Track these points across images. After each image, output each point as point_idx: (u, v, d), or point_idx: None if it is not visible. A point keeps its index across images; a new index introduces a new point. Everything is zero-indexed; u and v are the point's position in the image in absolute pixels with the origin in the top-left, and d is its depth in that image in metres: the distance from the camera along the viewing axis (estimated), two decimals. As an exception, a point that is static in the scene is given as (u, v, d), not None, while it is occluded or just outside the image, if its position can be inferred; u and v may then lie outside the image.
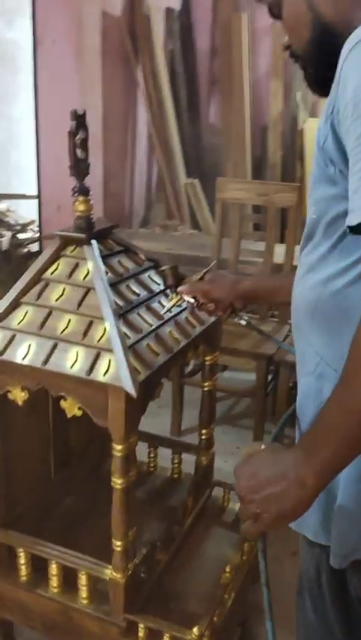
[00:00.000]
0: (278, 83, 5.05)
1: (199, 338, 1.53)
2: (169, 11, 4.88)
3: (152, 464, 1.96)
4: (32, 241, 4.33)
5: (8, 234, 4.37)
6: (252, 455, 0.89)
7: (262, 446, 0.89)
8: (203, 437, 1.82)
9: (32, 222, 4.55)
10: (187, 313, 1.50)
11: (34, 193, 4.21)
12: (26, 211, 4.81)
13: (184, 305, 1.45)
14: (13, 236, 4.31)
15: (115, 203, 4.57)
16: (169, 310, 1.43)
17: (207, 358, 1.72)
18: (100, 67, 4.02)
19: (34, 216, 4.45)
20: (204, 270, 1.44)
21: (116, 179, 4.57)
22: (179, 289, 1.41)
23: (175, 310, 1.46)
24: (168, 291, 1.46)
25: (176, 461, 1.94)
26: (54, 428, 1.73)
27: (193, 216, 4.91)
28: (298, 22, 0.98)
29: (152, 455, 1.96)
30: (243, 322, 1.45)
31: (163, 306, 1.44)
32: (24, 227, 4.58)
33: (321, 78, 0.98)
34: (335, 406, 0.79)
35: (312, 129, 4.86)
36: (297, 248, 2.76)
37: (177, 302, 1.41)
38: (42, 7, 3.68)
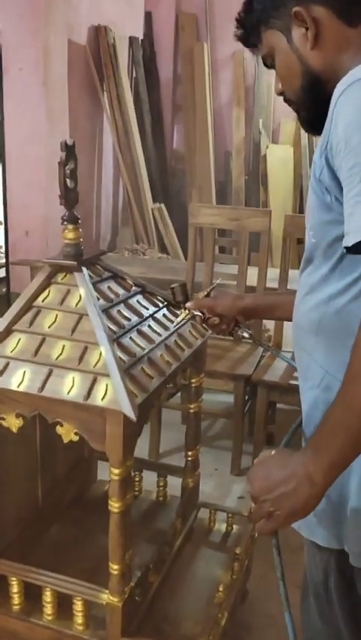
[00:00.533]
0: (240, 111, 5.19)
1: (187, 361, 1.56)
2: (133, 40, 4.99)
3: (137, 488, 1.97)
4: (-1, 267, 4.31)
5: (-25, 260, 4.34)
6: (264, 460, 0.95)
7: (273, 452, 0.96)
8: (189, 458, 1.84)
9: (-1, 247, 4.54)
10: (190, 325, 1.61)
11: (0, 218, 4.21)
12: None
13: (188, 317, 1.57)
14: (-20, 262, 4.27)
15: (82, 228, 4.58)
16: (178, 324, 1.54)
17: (193, 380, 1.75)
18: (66, 94, 4.07)
19: (1, 242, 4.44)
20: (210, 287, 1.58)
21: (83, 204, 4.59)
22: (187, 305, 1.53)
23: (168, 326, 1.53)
24: (178, 307, 1.58)
25: (161, 484, 1.96)
26: (41, 455, 1.73)
27: (160, 240, 4.97)
28: (290, 72, 1.08)
29: (137, 479, 1.97)
30: (246, 335, 1.58)
31: (172, 322, 1.55)
32: (-10, 253, 4.55)
33: (313, 120, 1.08)
34: (339, 407, 0.85)
35: (274, 155, 5.00)
36: (270, 270, 2.84)
37: (185, 316, 1.53)
38: (8, 36, 3.72)
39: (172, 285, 1.56)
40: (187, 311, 1.53)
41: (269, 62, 1.13)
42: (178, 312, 1.56)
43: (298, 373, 1.15)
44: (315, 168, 0.97)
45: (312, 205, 1.03)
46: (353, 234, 0.84)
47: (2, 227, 4.13)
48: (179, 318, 1.54)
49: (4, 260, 4.15)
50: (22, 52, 3.77)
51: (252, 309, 1.49)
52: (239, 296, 1.54)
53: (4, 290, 4.13)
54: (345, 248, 0.87)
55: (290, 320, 1.17)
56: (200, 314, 1.51)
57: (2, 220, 4.12)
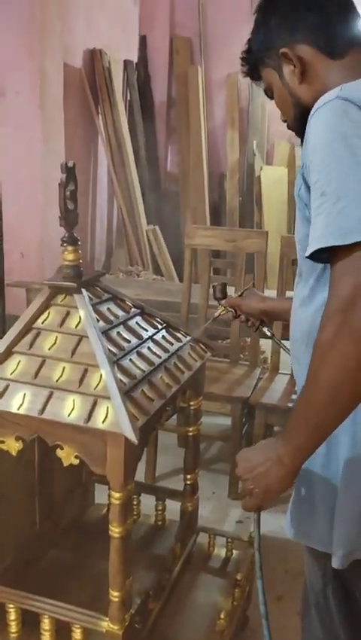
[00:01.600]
0: (234, 133, 5.24)
1: (187, 383, 1.55)
2: (128, 63, 5.05)
3: (135, 512, 1.95)
4: (-6, 288, 4.29)
5: (-30, 282, 4.32)
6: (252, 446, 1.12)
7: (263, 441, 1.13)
8: (188, 482, 1.82)
9: (-6, 269, 4.53)
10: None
11: (-5, 240, 4.21)
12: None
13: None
14: (-25, 284, 4.26)
15: (77, 249, 4.59)
16: (215, 318, 1.81)
17: (192, 402, 1.74)
18: (62, 117, 4.10)
19: (-5, 263, 4.43)
20: (245, 288, 1.76)
21: (78, 225, 4.60)
22: (222, 302, 1.74)
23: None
24: (217, 303, 1.79)
25: (160, 508, 1.93)
26: (39, 479, 1.71)
27: (155, 261, 4.98)
28: (285, 104, 1.21)
29: (135, 503, 1.94)
30: (268, 333, 1.72)
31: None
32: (-15, 275, 4.54)
33: None
34: (302, 401, 0.95)
35: (268, 176, 5.05)
36: (266, 291, 2.84)
37: (221, 312, 1.75)
38: (5, 60, 3.76)
39: (214, 284, 1.77)
40: (222, 307, 1.73)
41: (270, 95, 1.25)
42: (217, 308, 1.77)
43: (297, 385, 1.21)
44: (296, 185, 1.06)
45: (297, 221, 1.10)
46: (313, 244, 0.92)
47: (-3, 248, 4.13)
48: (216, 313, 1.78)
49: (-1, 282, 4.15)
50: (19, 75, 3.80)
51: (272, 312, 1.64)
52: (262, 298, 1.69)
53: (-1, 311, 4.12)
54: (306, 257, 0.94)
55: None
56: (232, 310, 1.71)
57: (-3, 241, 4.11)
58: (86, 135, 4.65)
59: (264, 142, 5.33)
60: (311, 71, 1.13)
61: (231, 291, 1.83)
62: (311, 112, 1.00)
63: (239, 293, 1.74)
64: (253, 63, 1.23)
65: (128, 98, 5.11)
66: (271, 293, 2.89)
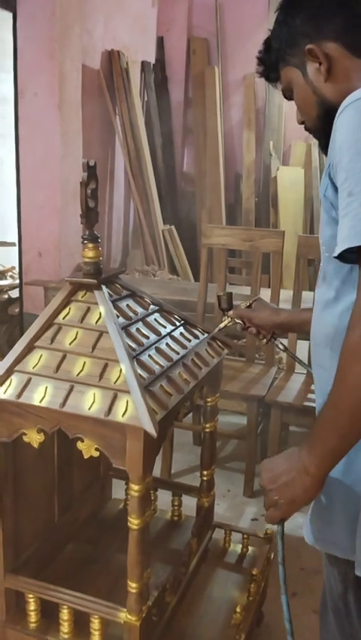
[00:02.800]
0: (250, 133, 5.25)
1: (204, 379, 1.57)
2: (145, 64, 5.08)
3: (152, 507, 1.97)
4: (12, 287, 4.34)
5: (-13, 281, 4.38)
6: (273, 456, 1.08)
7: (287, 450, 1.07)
8: (204, 478, 1.84)
9: (12, 268, 4.58)
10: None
11: (13, 240, 4.25)
12: (3, 258, 4.84)
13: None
14: (-7, 283, 4.32)
15: (94, 249, 4.63)
16: (220, 330, 1.66)
17: (209, 399, 1.76)
18: (80, 117, 4.13)
19: (12, 263, 4.48)
20: (252, 299, 1.64)
21: (95, 226, 4.65)
22: (229, 313, 1.62)
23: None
24: (222, 314, 1.67)
25: (176, 503, 1.95)
26: (59, 473, 1.74)
27: (170, 261, 5.00)
28: (306, 103, 1.18)
29: (152, 498, 1.96)
30: (281, 347, 1.66)
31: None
32: (3, 274, 4.59)
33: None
34: (329, 406, 0.92)
35: (285, 177, 5.05)
36: (282, 291, 2.85)
37: (227, 323, 1.63)
38: (25, 62, 3.79)
39: (219, 293, 1.66)
40: (229, 318, 1.63)
41: (288, 95, 1.23)
42: (222, 319, 1.66)
43: (315, 391, 1.18)
44: (322, 185, 1.05)
45: (322, 222, 1.09)
46: (340, 244, 0.92)
47: (16, 248, 4.17)
48: (222, 324, 1.65)
49: (17, 281, 4.19)
50: (38, 77, 3.84)
51: (286, 325, 1.57)
52: (276, 311, 1.60)
53: (17, 310, 4.16)
54: (334, 257, 0.94)
55: None
56: (240, 322, 1.61)
57: (16, 241, 4.16)
58: (103, 136, 4.68)
59: (280, 143, 5.33)
60: (337, 69, 1.11)
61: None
62: (339, 111, 0.99)
63: (248, 304, 1.63)
64: (273, 62, 1.21)
65: (146, 99, 5.14)
66: (287, 293, 2.90)
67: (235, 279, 3.64)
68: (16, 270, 4.27)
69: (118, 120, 4.72)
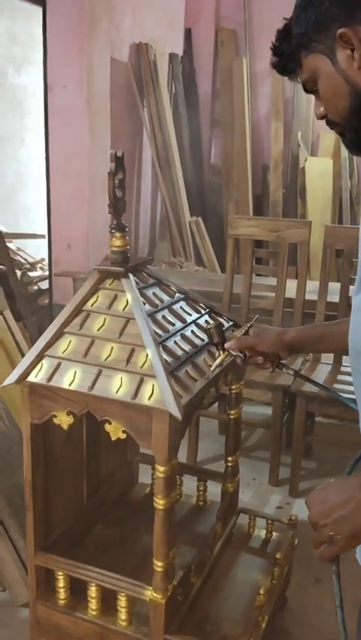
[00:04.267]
0: (278, 124, 5.24)
1: (229, 367, 1.60)
2: (173, 57, 5.10)
3: (177, 492, 2.01)
4: (42, 278, 4.42)
5: (19, 272, 4.46)
6: (322, 486, 0.95)
7: (332, 480, 0.96)
8: (229, 464, 1.87)
9: (42, 260, 4.65)
10: (232, 331, 1.57)
11: (42, 232, 4.32)
12: (33, 250, 4.92)
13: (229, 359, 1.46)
14: (24, 274, 4.39)
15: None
16: (218, 367, 1.45)
17: (234, 387, 1.79)
18: (108, 110, 4.17)
19: (42, 254, 4.56)
20: (248, 325, 1.45)
21: (122, 217, 4.69)
22: (226, 345, 1.41)
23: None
24: (215, 349, 1.45)
25: (201, 488, 1.99)
26: (87, 456, 1.78)
27: (197, 253, 5.02)
28: (336, 94, 1.06)
29: (178, 483, 2.00)
30: (291, 373, 1.46)
31: (210, 365, 1.48)
32: (33, 266, 4.67)
33: (359, 141, 1.07)
34: None
35: (313, 168, 5.03)
36: (308, 282, 2.86)
37: (225, 358, 1.42)
38: (54, 55, 3.85)
39: (208, 327, 1.44)
40: (226, 352, 1.41)
41: (310, 87, 1.11)
42: (216, 354, 1.45)
43: (357, 399, 1.11)
44: None
45: None
46: None
47: (46, 240, 4.25)
48: (217, 361, 1.43)
49: (47, 273, 4.27)
50: (67, 70, 3.89)
51: (297, 344, 1.41)
52: (283, 331, 1.42)
53: (46, 301, 4.24)
54: None
55: (335, 351, 1.12)
56: (241, 355, 1.40)
57: (46, 233, 4.23)
58: (131, 128, 4.72)
59: (309, 133, 5.29)
60: None
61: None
62: None
63: (244, 330, 1.43)
64: (293, 50, 1.09)
65: (173, 91, 5.15)
66: (313, 284, 2.90)
67: (262, 270, 3.66)
68: (46, 262, 4.34)
69: (146, 113, 4.75)
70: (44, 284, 4.36)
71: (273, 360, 1.42)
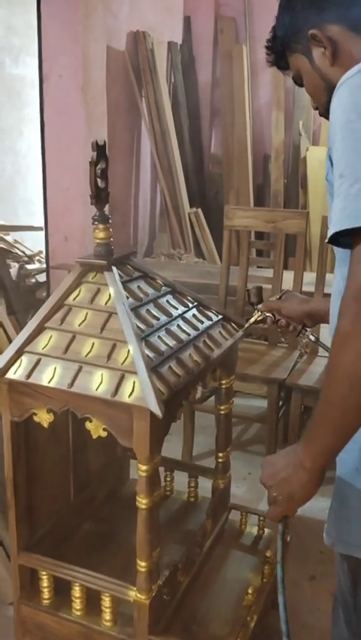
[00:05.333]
0: (279, 113, 5.17)
1: (217, 362, 1.56)
2: (172, 45, 5.03)
3: (168, 488, 1.98)
4: (40, 271, 4.38)
5: (16, 265, 4.43)
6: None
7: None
8: (220, 460, 1.84)
9: (40, 253, 4.61)
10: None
11: (41, 224, 4.28)
12: (32, 243, 4.88)
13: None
14: (21, 267, 4.36)
15: (120, 233, 4.64)
16: (250, 324, 1.62)
17: (224, 382, 1.75)
18: (105, 100, 4.12)
19: (40, 247, 4.52)
20: (282, 292, 1.62)
21: (121, 209, 4.65)
22: (259, 306, 1.59)
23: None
24: (252, 308, 1.64)
25: (192, 484, 1.96)
26: (74, 452, 1.75)
27: (197, 245, 4.98)
28: (316, 90, 1.15)
29: (168, 479, 1.97)
30: (312, 338, 1.58)
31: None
32: (31, 258, 4.63)
33: None
34: (321, 400, 0.90)
35: (315, 157, 4.96)
36: (307, 273, 2.81)
37: (257, 317, 1.59)
38: (49, 44, 3.79)
39: (248, 287, 1.64)
40: (259, 312, 1.58)
41: (299, 83, 1.21)
42: (253, 313, 1.61)
43: None
44: (326, 169, 1.01)
45: (330, 205, 1.03)
46: (331, 228, 0.89)
47: (43, 232, 4.21)
48: (252, 319, 1.60)
49: (44, 265, 4.23)
50: (62, 59, 3.83)
51: (316, 313, 1.50)
52: (305, 300, 1.55)
53: (44, 294, 4.20)
54: (327, 242, 0.91)
55: None
56: (270, 316, 1.56)
57: (43, 225, 4.19)
58: (129, 119, 4.66)
59: (310, 122, 5.22)
60: (343, 52, 1.07)
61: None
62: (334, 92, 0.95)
63: (278, 296, 1.60)
64: (280, 50, 1.18)
65: (172, 80, 5.09)
66: (311, 276, 2.86)
67: (260, 262, 3.62)
68: (43, 255, 4.31)
69: (144, 102, 4.69)
70: (42, 277, 4.33)
71: (296, 326, 1.56)
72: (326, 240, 0.91)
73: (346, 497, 1.05)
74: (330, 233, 0.88)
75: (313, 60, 1.12)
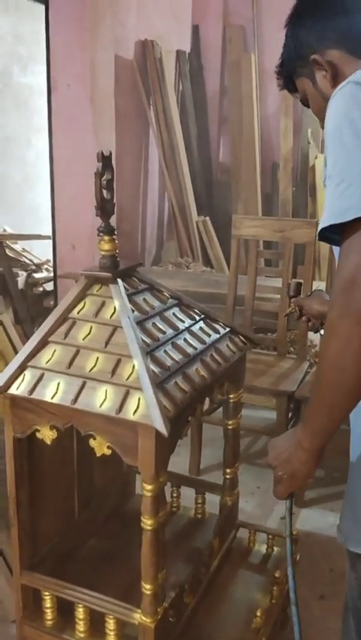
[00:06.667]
0: (288, 121, 5.14)
1: (224, 376, 1.53)
2: (180, 54, 5.02)
3: (175, 505, 1.94)
4: (47, 280, 4.36)
5: (24, 274, 4.41)
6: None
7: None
8: (227, 476, 1.79)
9: (47, 261, 4.60)
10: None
11: (48, 232, 4.27)
12: (40, 251, 4.87)
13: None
14: (29, 276, 4.34)
15: (128, 242, 4.62)
16: (287, 315, 1.78)
17: (231, 395, 1.71)
18: (113, 109, 4.11)
19: (48, 255, 4.50)
20: (315, 289, 1.73)
21: (129, 218, 4.63)
22: (292, 300, 1.71)
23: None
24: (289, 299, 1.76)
25: (200, 501, 1.92)
26: (78, 468, 1.72)
27: (205, 253, 4.94)
28: (320, 110, 1.21)
29: (175, 495, 1.93)
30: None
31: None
32: (39, 267, 4.62)
33: None
34: (314, 384, 0.98)
35: (323, 165, 4.92)
36: (314, 283, 2.77)
37: (290, 310, 1.72)
38: (57, 53, 3.78)
39: (290, 281, 1.78)
40: (293, 306, 1.71)
41: (306, 104, 1.28)
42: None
43: None
44: (323, 175, 1.05)
45: None
46: (319, 226, 0.94)
47: (51, 240, 4.19)
48: (287, 310, 1.76)
49: (52, 274, 4.21)
50: (70, 68, 3.82)
51: None
52: (324, 300, 1.63)
53: (52, 303, 4.18)
54: (319, 240, 0.99)
55: None
56: (297, 311, 1.69)
57: (51, 234, 4.17)
58: (137, 127, 4.65)
59: (319, 130, 5.18)
60: (342, 74, 1.13)
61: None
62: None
63: (309, 293, 1.71)
64: (287, 75, 1.27)
65: (180, 88, 5.07)
66: (322, 284, 2.82)
67: (268, 271, 3.57)
68: (51, 263, 4.29)
69: (152, 111, 4.68)
70: (50, 286, 4.31)
71: (315, 322, 1.65)
72: (316, 237, 0.97)
73: (357, 495, 1.11)
74: (318, 229, 0.95)
75: (316, 83, 1.20)
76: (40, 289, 4.40)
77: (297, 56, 1.21)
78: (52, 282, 4.22)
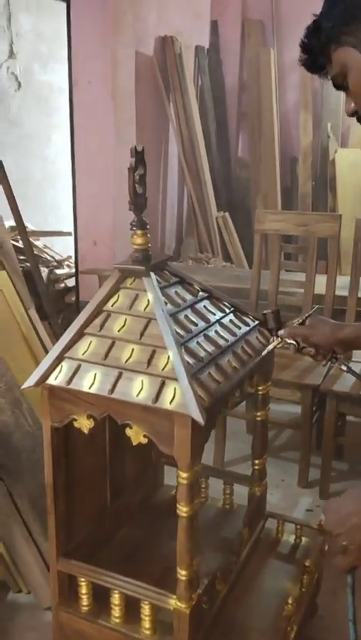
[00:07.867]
0: (307, 115, 5.14)
1: (254, 367, 1.55)
2: (199, 49, 5.03)
3: (203, 495, 1.96)
4: (69, 276, 4.40)
5: (45, 270, 4.45)
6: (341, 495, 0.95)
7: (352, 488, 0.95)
8: (256, 467, 1.81)
9: (69, 258, 4.64)
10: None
11: (69, 229, 4.31)
12: (61, 247, 4.91)
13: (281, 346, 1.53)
14: (51, 272, 4.38)
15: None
16: (269, 352, 1.50)
17: (260, 388, 1.73)
18: (134, 105, 4.14)
19: (70, 252, 4.54)
20: (306, 315, 1.50)
21: (148, 214, 4.63)
22: (280, 333, 1.47)
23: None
24: (270, 334, 1.53)
25: (228, 491, 1.94)
26: (110, 459, 1.75)
27: (224, 248, 4.96)
28: None
29: (203, 486, 1.95)
30: (344, 368, 1.49)
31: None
32: (60, 263, 4.66)
33: None
34: None
35: (343, 159, 4.92)
36: (339, 278, 2.77)
37: (277, 344, 1.47)
38: (78, 51, 3.82)
39: (264, 311, 1.50)
40: (279, 339, 1.47)
41: (340, 82, 1.11)
42: (270, 340, 1.51)
43: None
44: None
45: None
46: None
47: (72, 237, 4.23)
48: (270, 346, 1.50)
49: (73, 270, 4.25)
50: (91, 65, 3.86)
51: (353, 340, 1.43)
52: (338, 326, 1.46)
53: (73, 298, 4.22)
54: None
55: None
56: (294, 343, 1.46)
57: (72, 230, 4.21)
58: (157, 123, 4.67)
59: (339, 124, 5.18)
60: None
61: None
62: None
63: (301, 320, 1.48)
64: (322, 45, 1.08)
65: (200, 84, 5.09)
66: (344, 280, 2.82)
67: (291, 266, 3.58)
68: (73, 259, 4.33)
69: (172, 107, 4.70)
70: (71, 282, 4.35)
71: (326, 353, 1.45)
72: None
73: None
74: None
75: None
76: (62, 285, 4.43)
77: (345, 20, 1.04)
78: (73, 278, 4.26)
